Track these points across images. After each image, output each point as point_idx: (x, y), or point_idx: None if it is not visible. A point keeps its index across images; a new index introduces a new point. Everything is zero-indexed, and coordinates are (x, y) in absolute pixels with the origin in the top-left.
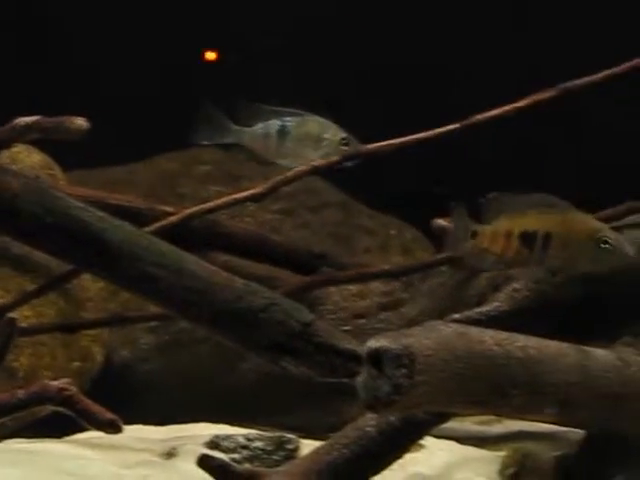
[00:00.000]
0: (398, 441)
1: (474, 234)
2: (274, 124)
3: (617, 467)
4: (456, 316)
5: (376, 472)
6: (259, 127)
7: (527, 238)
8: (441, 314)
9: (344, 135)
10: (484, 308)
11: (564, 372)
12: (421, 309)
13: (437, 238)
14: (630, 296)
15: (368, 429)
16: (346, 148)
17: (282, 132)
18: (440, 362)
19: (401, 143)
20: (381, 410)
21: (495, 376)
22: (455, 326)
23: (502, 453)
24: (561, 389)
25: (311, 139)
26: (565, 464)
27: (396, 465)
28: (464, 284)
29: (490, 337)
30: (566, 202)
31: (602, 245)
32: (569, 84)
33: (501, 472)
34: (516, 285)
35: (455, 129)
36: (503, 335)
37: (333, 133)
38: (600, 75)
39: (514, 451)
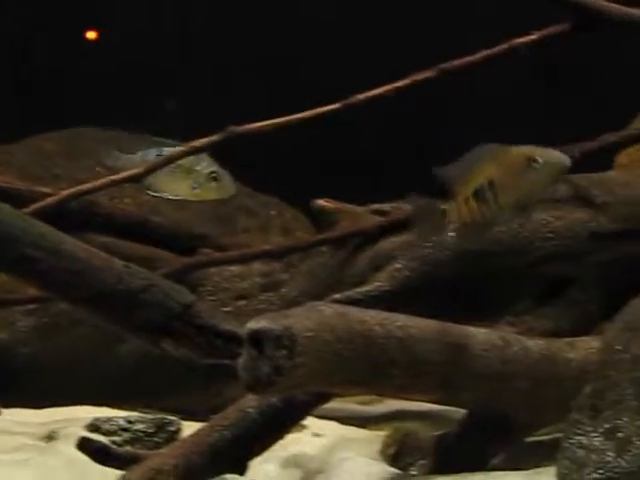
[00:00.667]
0: (279, 422)
1: (444, 213)
2: (151, 153)
3: (498, 446)
4: (337, 296)
5: (258, 453)
6: (138, 155)
7: (480, 195)
8: (322, 294)
9: (214, 169)
10: (365, 288)
11: (444, 351)
12: (302, 290)
13: (317, 218)
14: (511, 275)
15: (249, 410)
16: (214, 183)
17: None
18: (321, 343)
19: (282, 123)
20: (262, 391)
21: (376, 356)
22: (336, 306)
23: (384, 433)
24: (442, 368)
25: (183, 171)
26: (446, 443)
27: (278, 446)
28: (345, 264)
29: (371, 317)
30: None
31: (534, 165)
32: (448, 64)
33: (382, 452)
34: (397, 265)
35: (336, 109)
36: (384, 315)
37: (204, 166)
38: (479, 56)
39: (395, 431)
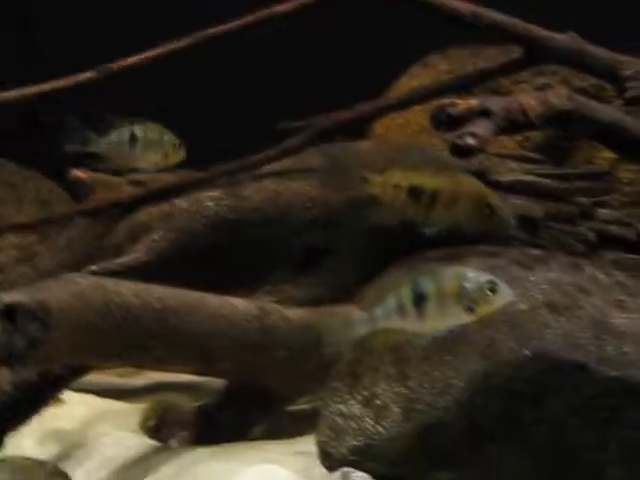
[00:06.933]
0: (36, 396)
1: (364, 179)
2: (124, 132)
3: (259, 416)
4: (93, 268)
5: (14, 428)
6: (113, 136)
7: (415, 193)
8: (79, 266)
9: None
10: (122, 259)
11: (203, 322)
12: (58, 262)
13: (73, 189)
14: (268, 246)
15: (4, 385)
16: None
17: (132, 140)
18: (76, 315)
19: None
20: (16, 365)
21: (133, 328)
22: (92, 278)
23: (143, 405)
24: (200, 339)
25: (154, 144)
26: (206, 414)
27: (35, 421)
28: (102, 235)
29: (127, 289)
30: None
31: (486, 211)
32: (203, 33)
33: (142, 424)
34: (154, 235)
35: (92, 78)
36: (141, 287)
37: (170, 138)
38: (236, 24)
39: (155, 403)
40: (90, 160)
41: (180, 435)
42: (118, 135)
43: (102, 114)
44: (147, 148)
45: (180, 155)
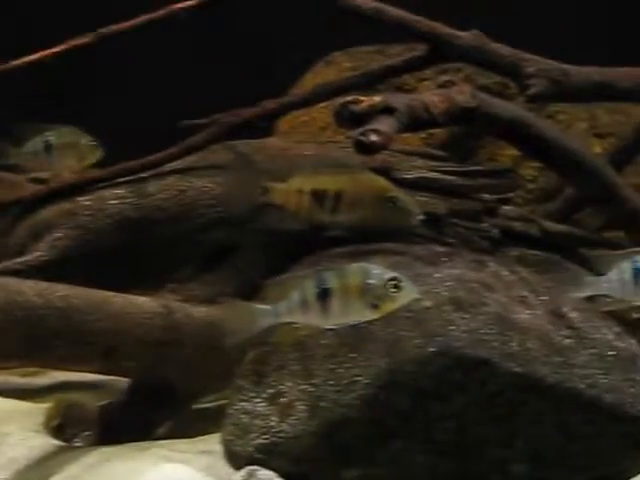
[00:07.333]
0: None
1: (265, 190)
2: (38, 142)
3: (164, 415)
4: None
5: None
6: (28, 146)
7: (319, 196)
8: None
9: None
10: (24, 258)
11: (107, 321)
12: None
13: None
14: (172, 244)
15: None
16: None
17: (47, 147)
18: None
19: None
20: None
21: (35, 328)
22: None
23: (47, 405)
24: (104, 338)
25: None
26: (110, 413)
27: None
28: (4, 234)
29: (29, 287)
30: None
31: (389, 204)
32: (106, 30)
33: (46, 424)
34: (57, 234)
35: None
36: (43, 285)
37: (85, 140)
38: (138, 20)
39: (59, 402)
40: (8, 171)
41: (84, 435)
42: (33, 144)
43: (14, 124)
44: (63, 153)
45: (97, 155)
